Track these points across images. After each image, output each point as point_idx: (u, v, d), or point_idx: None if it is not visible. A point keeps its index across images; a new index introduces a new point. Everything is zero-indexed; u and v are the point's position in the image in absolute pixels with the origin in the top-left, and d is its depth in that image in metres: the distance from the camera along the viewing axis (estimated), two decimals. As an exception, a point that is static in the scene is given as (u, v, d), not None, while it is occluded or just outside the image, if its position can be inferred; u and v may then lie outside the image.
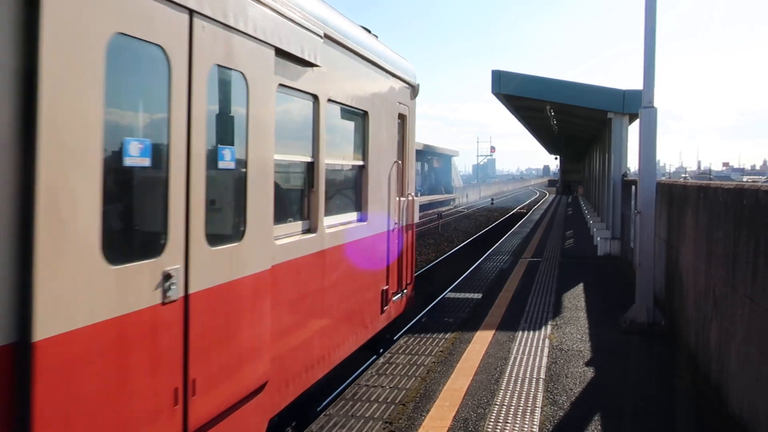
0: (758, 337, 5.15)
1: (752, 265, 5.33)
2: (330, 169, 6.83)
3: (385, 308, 8.34)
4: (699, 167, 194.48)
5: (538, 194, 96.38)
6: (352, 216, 7.43)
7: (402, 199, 9.21)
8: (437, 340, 8.67)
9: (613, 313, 10.02)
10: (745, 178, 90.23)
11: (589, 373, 7.37)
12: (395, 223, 8.75)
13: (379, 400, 6.49)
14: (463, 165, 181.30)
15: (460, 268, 19.21)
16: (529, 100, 21.71)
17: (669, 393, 6.82)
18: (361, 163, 7.65)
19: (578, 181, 60.12)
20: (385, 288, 8.36)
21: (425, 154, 69.74)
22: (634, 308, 9.41)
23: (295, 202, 6.34)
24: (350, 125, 7.60)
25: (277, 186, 5.43)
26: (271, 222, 5.21)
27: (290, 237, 5.74)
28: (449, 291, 13.16)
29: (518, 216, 44.78)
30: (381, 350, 8.83)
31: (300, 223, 6.07)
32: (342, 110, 7.16)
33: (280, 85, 5.37)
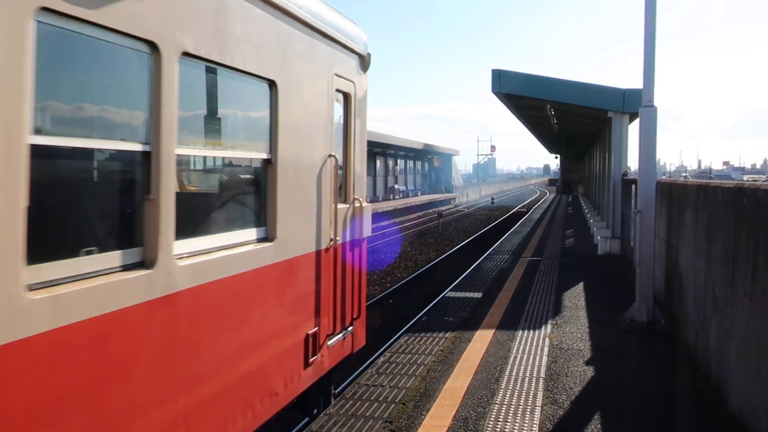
0: (758, 336, 5.16)
1: (752, 264, 5.34)
2: (192, 165, 4.88)
3: (312, 359, 5.97)
4: (699, 166, 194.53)
5: (538, 193, 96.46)
6: (247, 234, 5.04)
7: (343, 206, 6.84)
8: (437, 339, 8.68)
9: (613, 313, 10.03)
10: (745, 177, 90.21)
11: (589, 372, 7.38)
12: (331, 240, 6.37)
13: (379, 399, 6.50)
14: (463, 164, 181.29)
15: (460, 268, 19.24)
16: (529, 99, 21.72)
17: (669, 392, 6.83)
18: (263, 155, 5.23)
19: (578, 180, 60.15)
20: (312, 331, 5.95)
21: (425, 153, 69.81)
22: (633, 307, 9.42)
23: (107, 218, 3.97)
24: (240, 99, 5.31)
25: (46, 190, 3.19)
26: (14, 259, 2.85)
27: (86, 281, 3.32)
28: (449, 290, 13.18)
29: (518, 215, 44.81)
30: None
31: (120, 253, 3.64)
32: (220, 74, 4.69)
33: (45, 10, 3.00)
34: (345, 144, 7.11)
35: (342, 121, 7.06)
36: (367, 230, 7.53)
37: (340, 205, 6.73)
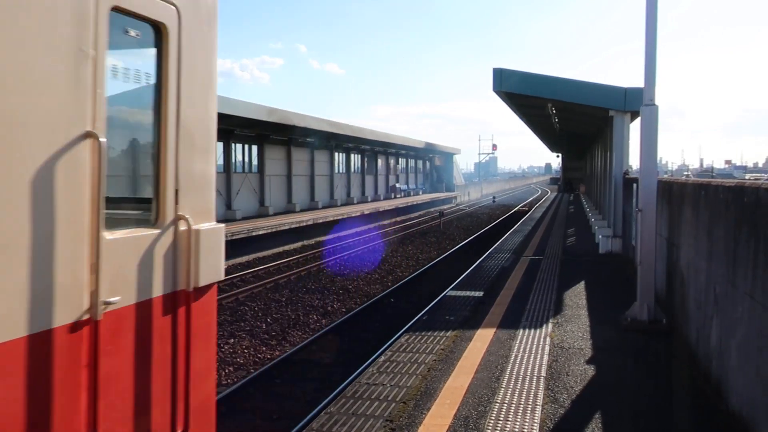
0: (758, 335, 5.16)
1: (752, 262, 5.34)
2: None
3: None
4: (701, 165, 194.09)
5: (540, 192, 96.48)
6: None
7: (143, 234, 3.70)
8: (438, 338, 8.68)
9: (615, 311, 10.02)
10: (747, 176, 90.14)
11: (590, 371, 7.38)
12: (90, 307, 3.22)
13: (380, 398, 6.50)
14: (464, 163, 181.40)
15: (461, 266, 19.23)
16: (531, 98, 21.69)
17: (669, 391, 6.83)
18: None
19: (580, 179, 60.15)
20: None
21: (427, 151, 69.76)
22: (635, 306, 9.42)
23: None
24: None
25: None
26: None
27: None
28: (450, 289, 13.17)
29: (520, 214, 44.79)
30: None
31: None
32: None
33: None
34: (156, 117, 3.84)
35: (154, 75, 3.85)
36: (211, 272, 4.07)
37: (129, 233, 3.55)
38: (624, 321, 9.42)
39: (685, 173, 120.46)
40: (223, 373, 11.28)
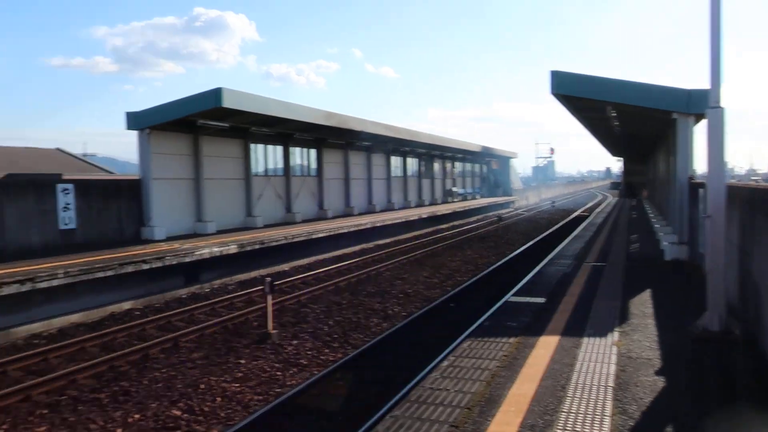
0: (842, 349, 4.97)
1: (836, 273, 5.15)
2: None
3: None
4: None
5: (600, 196, 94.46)
6: None
7: None
8: (501, 344, 8.64)
9: (683, 321, 9.76)
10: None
11: (660, 382, 7.22)
12: None
13: (444, 403, 6.53)
14: (522, 167, 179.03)
15: (521, 272, 19.05)
16: (589, 101, 21.29)
17: (743, 404, 6.63)
18: None
19: (642, 183, 58.60)
20: None
21: (483, 155, 69.23)
22: (705, 316, 9.14)
23: None
24: None
25: None
26: None
27: None
28: (511, 295, 13.07)
29: (580, 219, 43.99)
30: None
31: None
32: None
33: None
34: None
35: None
36: None
37: None
38: (694, 331, 9.15)
39: (753, 178, 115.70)
40: (288, 374, 11.51)
